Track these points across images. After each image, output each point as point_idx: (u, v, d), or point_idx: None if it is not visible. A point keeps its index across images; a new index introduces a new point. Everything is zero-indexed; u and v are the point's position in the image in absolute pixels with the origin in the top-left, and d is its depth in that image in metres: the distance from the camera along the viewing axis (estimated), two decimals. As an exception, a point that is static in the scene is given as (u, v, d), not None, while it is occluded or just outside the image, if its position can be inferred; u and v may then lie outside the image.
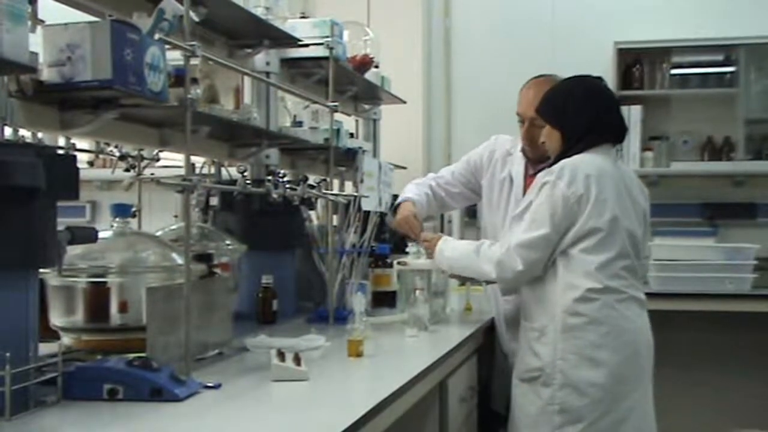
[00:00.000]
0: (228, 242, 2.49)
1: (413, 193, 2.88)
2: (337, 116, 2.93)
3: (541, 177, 2.28)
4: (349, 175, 3.18)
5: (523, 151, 2.73)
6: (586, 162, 2.25)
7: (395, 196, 3.11)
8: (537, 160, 2.69)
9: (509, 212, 2.72)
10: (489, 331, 2.84)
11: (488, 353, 2.86)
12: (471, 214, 4.26)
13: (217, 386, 1.68)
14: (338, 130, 3.00)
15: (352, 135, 3.39)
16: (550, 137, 2.37)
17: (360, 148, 3.11)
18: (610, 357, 2.20)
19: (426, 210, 2.95)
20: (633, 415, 2.22)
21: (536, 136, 2.57)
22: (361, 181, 2.82)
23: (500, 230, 2.71)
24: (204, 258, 2.06)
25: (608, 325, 2.21)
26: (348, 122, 3.57)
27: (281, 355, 1.81)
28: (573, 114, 2.31)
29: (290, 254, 2.82)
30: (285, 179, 2.33)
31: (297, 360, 1.81)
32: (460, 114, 4.73)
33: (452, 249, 2.47)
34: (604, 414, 2.20)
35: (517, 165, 2.76)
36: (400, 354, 2.25)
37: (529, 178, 2.73)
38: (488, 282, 2.58)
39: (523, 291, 2.40)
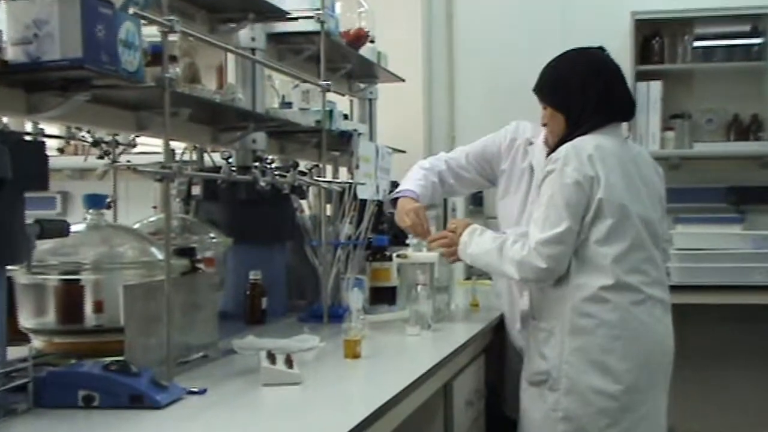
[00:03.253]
0: (212, 235, 2.49)
1: (416, 185, 2.86)
2: (330, 96, 2.92)
3: (543, 167, 2.28)
4: (344, 160, 3.18)
5: (545, 140, 2.73)
6: (587, 142, 2.25)
7: (394, 183, 3.10)
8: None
9: (528, 204, 2.73)
10: (498, 328, 2.85)
11: (497, 353, 2.87)
12: (476, 201, 4.26)
13: (201, 392, 1.68)
14: (331, 112, 2.99)
15: (346, 116, 3.39)
16: (552, 120, 2.37)
17: (355, 130, 3.11)
18: (619, 364, 2.21)
19: (430, 200, 2.94)
20: (642, 426, 2.23)
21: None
22: (357, 166, 2.81)
23: (515, 221, 2.71)
24: (186, 252, 2.05)
25: (620, 329, 2.22)
26: (342, 103, 3.56)
27: (271, 358, 1.81)
28: (575, 93, 2.31)
29: (280, 248, 2.82)
30: (273, 166, 2.33)
31: (289, 362, 1.81)
32: (464, 93, 4.72)
33: (476, 244, 2.43)
34: (611, 425, 2.20)
35: (539, 155, 2.74)
36: (401, 355, 2.26)
37: None
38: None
39: (532, 288, 2.40)
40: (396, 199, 2.85)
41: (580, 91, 2.31)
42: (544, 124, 2.42)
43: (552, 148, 2.36)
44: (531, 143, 2.77)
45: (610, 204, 2.22)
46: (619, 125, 2.36)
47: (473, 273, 3.19)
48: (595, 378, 2.20)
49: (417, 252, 2.72)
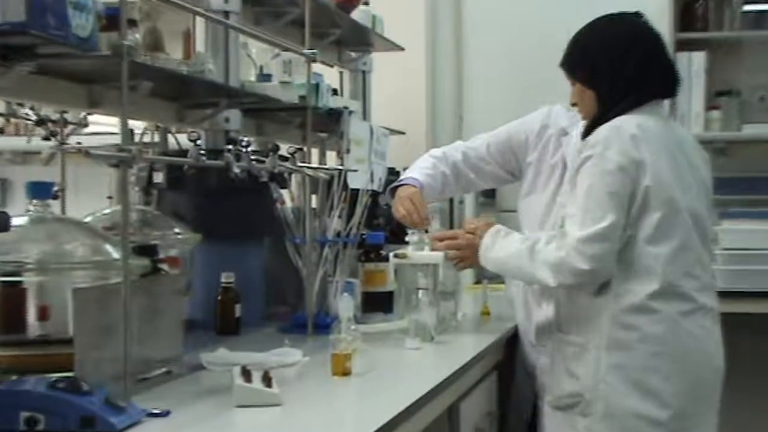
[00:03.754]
0: (177, 230, 2.49)
1: (421, 173, 2.86)
2: (316, 68, 2.93)
3: (579, 151, 2.27)
4: (332, 143, 3.18)
5: (583, 135, 2.72)
6: (628, 121, 2.25)
7: (391, 170, 3.11)
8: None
9: (557, 203, 2.72)
10: (512, 342, 2.86)
11: (510, 370, 2.88)
12: (488, 192, 4.26)
13: (164, 414, 1.68)
14: (317, 86, 2.99)
15: (335, 91, 3.39)
16: (581, 98, 2.36)
17: (345, 108, 3.11)
18: (665, 385, 2.20)
19: (439, 194, 2.94)
20: None
21: None
22: (347, 150, 2.81)
23: (539, 224, 2.72)
24: (146, 251, 2.05)
25: (667, 345, 2.21)
26: (330, 75, 3.56)
27: (246, 374, 1.82)
28: (608, 67, 2.30)
29: (257, 245, 2.83)
30: (249, 149, 2.32)
31: (267, 380, 1.82)
32: (474, 63, 4.71)
33: (501, 247, 2.41)
34: None
35: (574, 149, 2.75)
36: (399, 372, 2.26)
37: None
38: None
39: (560, 294, 2.40)
40: (396, 189, 2.85)
41: (613, 65, 2.29)
42: (574, 104, 2.41)
43: (584, 131, 2.35)
44: (566, 133, 2.77)
45: (659, 194, 2.21)
46: (660, 103, 2.36)
47: (484, 276, 3.19)
48: (637, 401, 2.19)
49: (418, 251, 2.72)
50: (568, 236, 2.19)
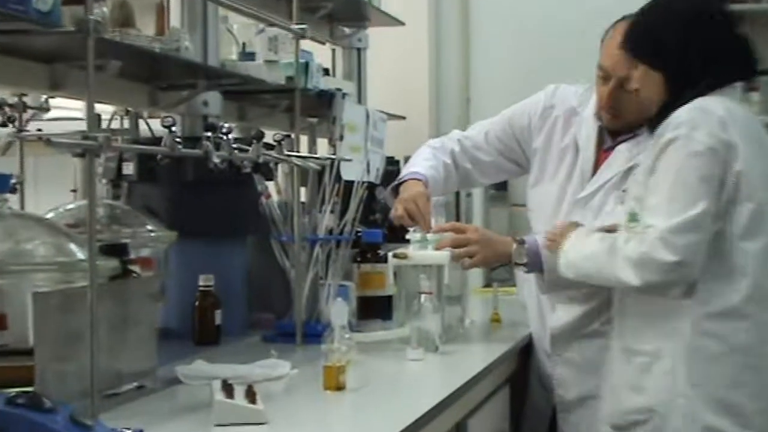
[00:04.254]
0: (150, 227, 2.50)
1: (424, 166, 2.87)
2: (306, 45, 2.93)
3: (657, 135, 2.23)
4: (323, 129, 3.19)
5: (598, 114, 2.74)
6: (712, 103, 2.23)
7: (390, 160, 3.12)
8: (617, 131, 2.71)
9: (569, 193, 2.74)
10: (526, 351, 2.87)
11: (524, 383, 2.89)
12: (499, 185, 4.27)
13: (136, 433, 1.69)
14: (307, 65, 3.00)
15: (326, 72, 3.40)
16: (645, 82, 2.32)
17: (338, 90, 3.12)
18: (749, 402, 2.19)
19: (443, 187, 2.94)
20: None
21: (626, 102, 2.58)
22: (341, 138, 2.82)
23: (550, 216, 2.72)
24: (115, 250, 2.06)
25: (755, 356, 2.20)
26: (321, 53, 3.57)
27: (228, 389, 1.82)
28: (676, 44, 2.28)
29: (239, 244, 2.84)
30: (231, 136, 2.33)
31: (250, 395, 1.82)
32: (483, 38, 4.72)
33: (578, 249, 2.39)
34: None
35: (587, 129, 2.75)
36: (399, 386, 2.27)
37: (603, 152, 2.73)
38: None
39: (618, 295, 2.39)
40: (398, 187, 2.85)
41: (682, 41, 2.26)
42: (635, 89, 2.37)
43: (653, 120, 2.32)
44: (577, 113, 2.77)
45: (751, 182, 2.19)
46: (736, 87, 2.34)
47: (494, 279, 3.21)
48: (716, 418, 2.17)
49: (420, 250, 2.73)
50: (652, 229, 2.16)
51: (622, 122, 2.67)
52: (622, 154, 2.70)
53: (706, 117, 2.19)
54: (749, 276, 2.19)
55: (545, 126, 2.83)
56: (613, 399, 2.37)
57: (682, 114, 2.21)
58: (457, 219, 3.96)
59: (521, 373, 2.86)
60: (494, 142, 2.92)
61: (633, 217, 2.26)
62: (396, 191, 2.85)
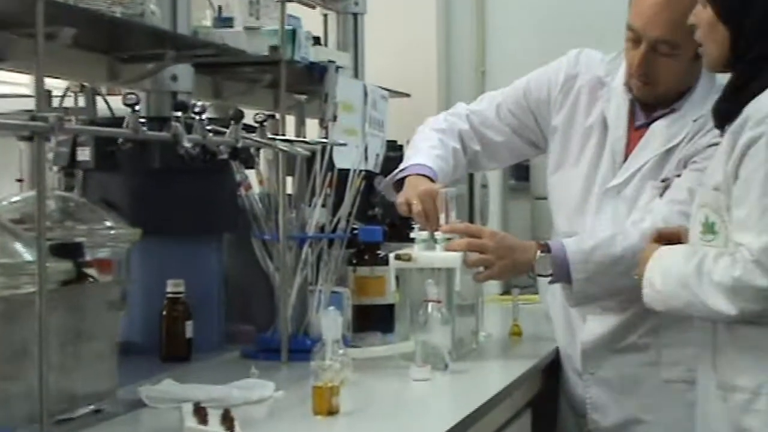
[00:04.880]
0: (109, 224, 2.49)
1: (430, 156, 2.82)
2: (292, 8, 2.92)
3: (731, 135, 2.20)
4: (313, 108, 3.18)
5: (627, 84, 2.73)
6: None
7: (391, 145, 3.10)
8: (651, 104, 2.70)
9: (598, 181, 2.73)
10: (552, 370, 2.86)
11: (552, 407, 2.88)
12: (520, 173, 4.26)
13: (92, 467, 1.68)
14: (294, 33, 2.98)
15: (317, 40, 3.39)
16: (710, 35, 2.28)
17: (331, 62, 3.11)
18: None
19: (451, 177, 2.92)
20: None
21: (661, 68, 2.57)
22: (334, 118, 2.81)
23: (576, 208, 2.71)
24: (69, 251, 2.05)
25: None
26: (311, 18, 3.56)
27: (200, 414, 1.82)
28: None
29: (214, 244, 2.83)
30: (205, 117, 2.32)
31: (227, 421, 1.82)
32: (500, 2, 4.72)
33: (663, 275, 2.32)
34: None
35: (617, 103, 2.75)
36: (401, 410, 2.26)
37: (635, 131, 2.73)
38: None
39: (700, 322, 2.35)
40: (401, 181, 2.83)
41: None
42: (699, 46, 2.33)
43: (724, 95, 2.29)
44: (604, 84, 2.76)
45: None
46: None
47: (514, 285, 3.20)
48: None
49: (427, 251, 2.71)
50: (745, 249, 2.13)
51: (656, 92, 2.67)
52: (658, 133, 2.69)
53: None
54: None
55: (567, 100, 2.82)
56: None
57: (763, 105, 2.16)
58: (471, 216, 3.95)
59: (547, 396, 2.85)
60: (507, 118, 2.90)
61: (710, 228, 2.24)
62: (399, 186, 2.82)
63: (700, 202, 2.31)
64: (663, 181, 2.66)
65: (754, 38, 2.22)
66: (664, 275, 2.31)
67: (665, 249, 2.36)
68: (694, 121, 2.64)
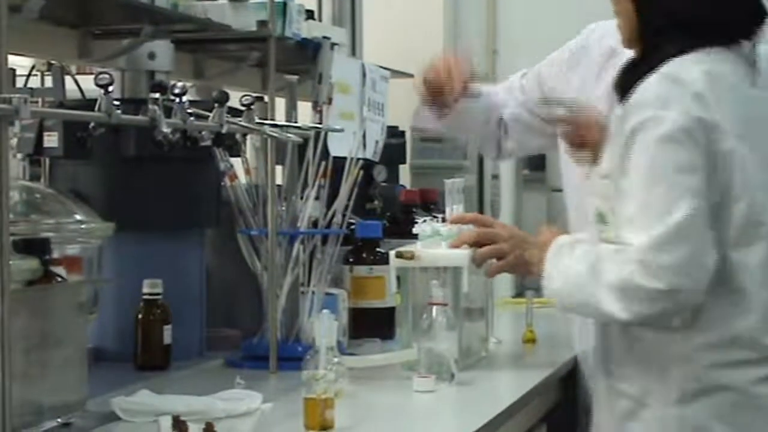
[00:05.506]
0: (79, 217, 2.49)
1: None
2: (283, -21, 2.93)
3: (620, 118, 2.26)
4: (306, 90, 3.18)
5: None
6: (687, 67, 2.23)
7: (395, 133, 3.10)
8: None
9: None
10: (570, 380, 2.87)
11: (571, 420, 2.89)
12: (534, 163, 4.26)
13: (61, 485, 1.69)
14: (284, 6, 2.99)
15: (310, 15, 3.39)
16: (620, 9, 2.35)
17: (326, 39, 3.11)
18: None
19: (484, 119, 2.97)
20: None
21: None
22: (329, 101, 2.81)
23: (583, 184, 2.74)
24: (34, 247, 2.06)
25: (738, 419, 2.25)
26: (303, -10, 3.56)
27: (180, 427, 1.82)
28: None
29: (195, 240, 2.84)
30: (185, 99, 2.33)
31: (210, 436, 1.83)
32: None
33: (561, 273, 2.36)
34: None
35: (615, 52, 2.77)
36: (402, 425, 2.27)
37: None
38: None
39: (597, 326, 2.42)
40: None
41: None
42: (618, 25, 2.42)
43: (619, 78, 2.34)
44: (616, 54, 2.79)
45: (743, 173, 2.21)
46: (739, 46, 2.35)
47: (527, 286, 3.21)
48: None
49: (432, 248, 2.72)
50: (632, 249, 2.18)
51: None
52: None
53: (677, 89, 2.20)
54: (749, 297, 2.22)
55: (576, 73, 2.87)
56: None
57: (647, 89, 2.21)
58: (480, 209, 3.96)
59: (564, 409, 2.85)
60: (524, 100, 2.97)
61: (601, 218, 2.28)
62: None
63: (592, 190, 2.37)
64: None
65: (654, 11, 2.29)
66: (561, 273, 2.35)
67: (565, 240, 2.40)
68: None
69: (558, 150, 2.99)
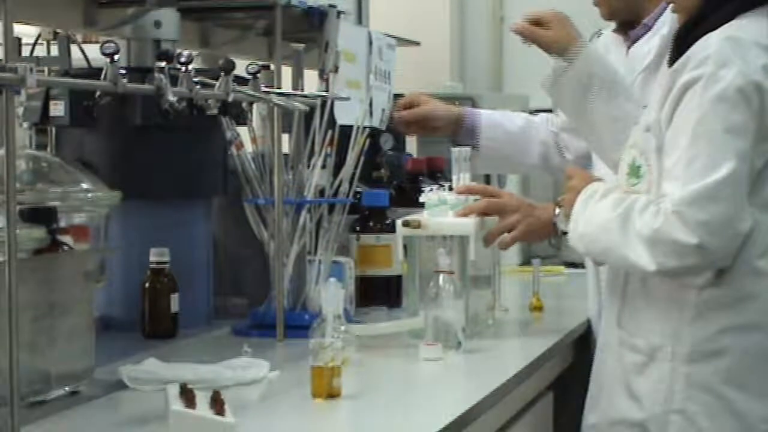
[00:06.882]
0: (85, 186, 2.49)
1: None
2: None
3: (673, 72, 2.26)
4: (312, 58, 3.18)
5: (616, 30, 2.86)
6: (749, 31, 2.23)
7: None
8: (625, 27, 2.83)
9: None
10: (579, 348, 2.88)
11: (580, 388, 2.90)
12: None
13: (69, 453, 1.70)
14: (290, -26, 2.98)
15: (317, -18, 3.38)
16: None
17: (332, 6, 3.10)
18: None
19: (509, 140, 3.04)
20: None
21: None
22: (335, 70, 2.81)
23: (587, 155, 2.75)
24: (41, 216, 2.06)
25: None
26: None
27: (187, 396, 1.83)
28: None
29: (202, 209, 2.84)
30: (191, 68, 2.32)
31: (217, 405, 1.83)
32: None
33: (589, 219, 2.37)
34: None
35: (616, 55, 2.85)
36: (409, 393, 2.28)
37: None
38: None
39: (615, 277, 2.42)
40: None
41: None
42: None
43: (675, 40, 2.34)
44: (600, 34, 2.81)
45: None
46: None
47: (534, 254, 3.21)
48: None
49: (438, 217, 2.72)
50: (668, 199, 2.18)
51: (607, 10, 2.81)
52: (635, 55, 2.84)
53: (738, 50, 2.19)
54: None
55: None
56: (605, 400, 2.42)
57: (707, 47, 2.21)
58: (487, 179, 3.95)
59: (572, 378, 2.86)
60: None
61: (635, 172, 2.28)
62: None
63: (630, 142, 2.36)
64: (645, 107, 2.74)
65: None
66: (589, 216, 2.36)
67: (597, 187, 2.41)
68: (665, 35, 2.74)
69: None
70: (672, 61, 2.31)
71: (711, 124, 2.17)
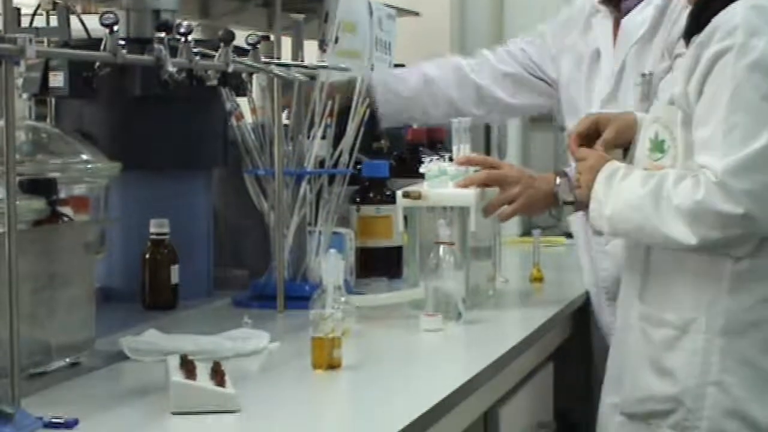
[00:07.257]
0: (85, 157, 2.49)
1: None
2: None
3: (699, 44, 2.24)
4: (312, 29, 3.17)
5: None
6: None
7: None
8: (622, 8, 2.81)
9: (595, 96, 2.82)
10: (579, 319, 2.87)
11: (575, 360, 2.90)
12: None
13: (70, 424, 1.69)
14: (290, -56, 2.98)
15: (316, -48, 3.37)
16: None
17: (332, -24, 3.10)
18: None
19: (405, 104, 3.01)
20: None
21: None
22: (335, 40, 2.80)
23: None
24: (41, 187, 2.06)
25: None
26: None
27: (188, 367, 1.83)
28: None
29: (202, 180, 2.84)
30: (191, 38, 2.32)
31: (217, 375, 1.83)
32: None
33: (616, 199, 2.34)
34: None
35: (602, 27, 2.84)
36: (411, 364, 2.29)
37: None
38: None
39: (634, 251, 2.41)
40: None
41: None
42: None
43: (693, 12, 2.32)
44: (598, 11, 2.82)
45: None
46: None
47: (535, 225, 3.21)
48: (760, 409, 2.24)
49: (439, 188, 2.72)
50: (708, 171, 2.17)
51: None
52: (628, 26, 2.81)
53: (767, 17, 2.19)
54: None
55: (569, 32, 2.93)
56: (630, 380, 2.39)
57: (734, 17, 2.19)
58: (487, 150, 3.95)
59: (571, 348, 2.86)
60: (519, 56, 3.04)
61: (659, 147, 2.28)
62: None
63: (652, 116, 2.35)
64: (644, 75, 2.75)
65: None
66: (616, 195, 2.34)
67: (617, 165, 2.39)
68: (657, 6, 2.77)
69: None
70: (689, 34, 2.29)
71: (747, 93, 2.17)
